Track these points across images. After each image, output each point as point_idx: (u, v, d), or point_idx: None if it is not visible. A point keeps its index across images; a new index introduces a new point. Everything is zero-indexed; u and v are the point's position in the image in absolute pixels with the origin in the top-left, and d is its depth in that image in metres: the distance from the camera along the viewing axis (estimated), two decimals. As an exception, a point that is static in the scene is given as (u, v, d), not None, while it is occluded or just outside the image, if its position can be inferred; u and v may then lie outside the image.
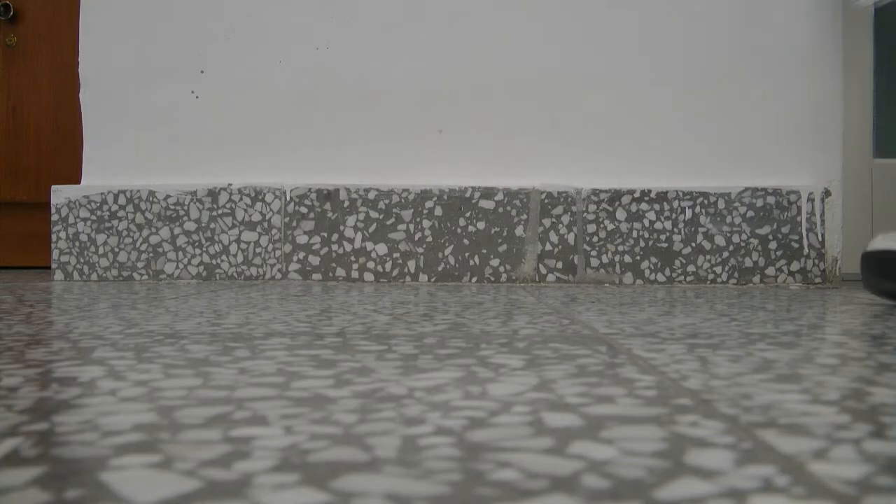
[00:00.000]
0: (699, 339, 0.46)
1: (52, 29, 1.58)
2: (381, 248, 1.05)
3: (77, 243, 1.06)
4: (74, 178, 1.12)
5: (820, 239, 1.02)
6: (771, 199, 1.02)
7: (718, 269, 1.03)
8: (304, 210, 1.05)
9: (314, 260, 1.05)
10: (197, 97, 1.09)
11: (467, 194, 1.04)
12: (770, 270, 1.02)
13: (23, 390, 0.30)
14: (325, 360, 0.38)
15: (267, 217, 1.06)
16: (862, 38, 1.19)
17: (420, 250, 1.04)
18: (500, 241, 1.03)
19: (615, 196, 1.03)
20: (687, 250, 1.03)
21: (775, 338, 0.47)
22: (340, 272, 1.05)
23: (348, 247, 1.05)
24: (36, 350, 0.41)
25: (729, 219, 1.03)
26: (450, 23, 1.07)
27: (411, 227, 1.04)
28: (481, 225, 1.04)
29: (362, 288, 0.93)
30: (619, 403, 0.28)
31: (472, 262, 1.04)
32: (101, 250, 1.06)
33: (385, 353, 0.40)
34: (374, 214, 1.05)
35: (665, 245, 1.03)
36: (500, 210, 1.03)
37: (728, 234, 1.03)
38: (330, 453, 0.22)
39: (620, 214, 1.03)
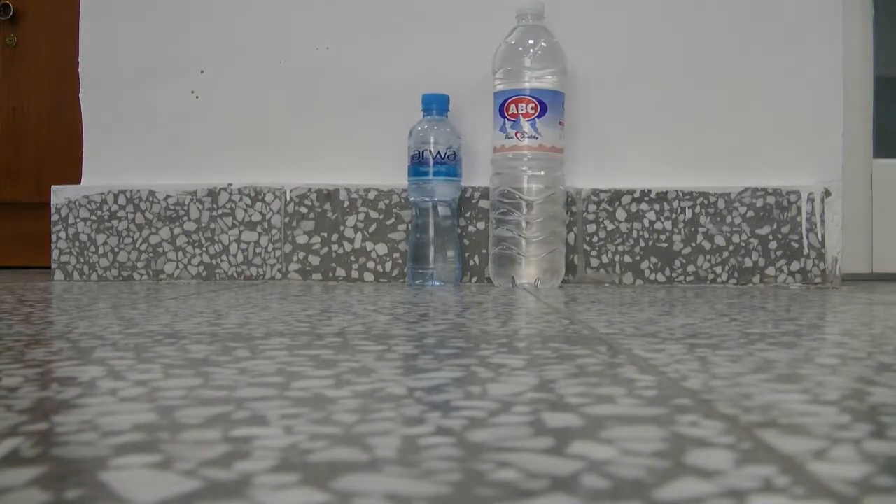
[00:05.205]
0: (699, 339, 0.46)
1: (52, 29, 1.58)
2: (381, 248, 1.05)
3: (77, 243, 1.06)
4: (74, 178, 1.12)
5: (820, 239, 1.02)
6: (771, 199, 1.02)
7: (718, 269, 1.03)
8: (304, 210, 1.05)
9: (314, 260, 1.05)
10: (197, 97, 1.09)
11: (467, 194, 1.04)
12: (770, 270, 1.02)
13: (23, 390, 0.30)
14: (325, 360, 0.38)
15: (267, 217, 1.06)
16: (862, 37, 1.19)
17: (420, 250, 1.04)
18: (500, 241, 1.03)
19: (615, 196, 1.03)
20: (687, 250, 1.03)
21: (775, 338, 0.47)
22: (340, 272, 1.05)
23: (348, 247, 1.05)
24: (36, 350, 0.41)
25: (729, 219, 1.03)
26: (450, 24, 1.07)
27: (411, 226, 1.04)
28: (481, 225, 1.04)
29: (362, 288, 0.93)
30: (619, 403, 0.28)
31: (472, 262, 1.04)
32: (101, 250, 1.06)
33: (385, 353, 0.40)
34: (374, 214, 1.05)
35: (665, 245, 1.03)
36: (500, 210, 1.03)
37: (728, 234, 1.03)
38: (330, 453, 0.22)
39: (620, 214, 1.03)
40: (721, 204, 1.03)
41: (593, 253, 1.03)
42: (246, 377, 0.33)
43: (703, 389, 0.31)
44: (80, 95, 1.10)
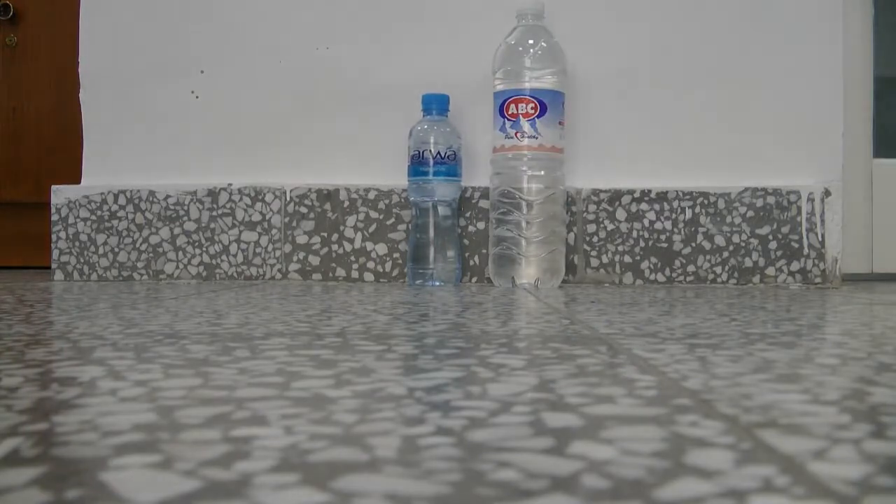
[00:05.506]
0: (699, 339, 0.46)
1: (52, 29, 1.58)
2: (381, 248, 1.05)
3: (77, 243, 1.06)
4: (74, 178, 1.12)
5: (820, 239, 1.02)
6: (771, 199, 1.02)
7: (718, 269, 1.03)
8: (304, 210, 1.05)
9: (314, 260, 1.05)
10: (197, 97, 1.09)
11: (467, 194, 1.04)
12: (770, 270, 1.02)
13: (23, 390, 0.30)
14: (325, 360, 0.38)
15: (267, 217, 1.06)
16: (862, 37, 1.19)
17: (420, 250, 1.04)
18: (500, 241, 1.03)
19: (615, 196, 1.03)
20: (687, 250, 1.03)
21: (775, 338, 0.47)
22: (340, 272, 1.05)
23: (348, 247, 1.05)
24: (36, 350, 0.41)
25: (729, 219, 1.03)
26: (450, 24, 1.07)
27: (411, 226, 1.04)
28: (481, 225, 1.04)
29: (362, 288, 0.93)
30: (619, 403, 0.28)
31: (472, 262, 1.04)
32: (101, 250, 1.06)
33: (385, 353, 0.40)
34: (374, 214, 1.05)
35: (665, 245, 1.03)
36: (500, 210, 1.03)
37: (728, 234, 1.03)
38: (330, 453, 0.22)
39: (620, 214, 1.03)
40: (721, 204, 1.03)
41: (593, 253, 1.03)
42: (246, 377, 0.33)
43: (703, 389, 0.31)
44: (80, 95, 1.10)
